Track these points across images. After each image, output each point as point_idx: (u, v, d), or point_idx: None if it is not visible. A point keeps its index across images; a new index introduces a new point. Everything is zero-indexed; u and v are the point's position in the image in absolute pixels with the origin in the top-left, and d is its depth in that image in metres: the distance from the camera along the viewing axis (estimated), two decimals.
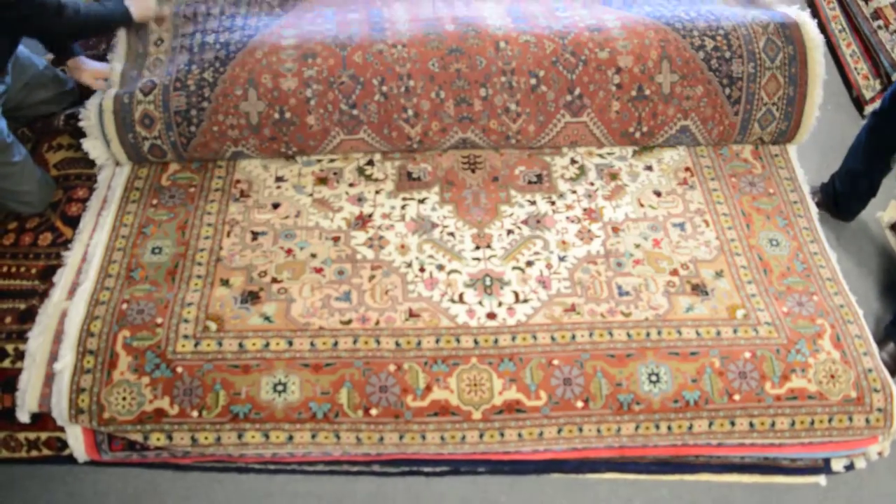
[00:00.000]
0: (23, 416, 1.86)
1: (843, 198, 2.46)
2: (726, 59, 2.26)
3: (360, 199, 2.21)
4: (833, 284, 2.06)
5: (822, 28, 3.06)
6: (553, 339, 1.91)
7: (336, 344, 1.89)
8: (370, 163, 2.31)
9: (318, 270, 2.04)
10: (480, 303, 1.98)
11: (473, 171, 2.29)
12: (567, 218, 2.18)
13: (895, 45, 2.83)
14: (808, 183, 2.32)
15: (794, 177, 2.32)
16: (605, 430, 1.85)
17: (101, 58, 2.39)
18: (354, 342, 1.89)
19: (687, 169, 2.32)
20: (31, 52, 2.27)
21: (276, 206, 2.18)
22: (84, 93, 2.36)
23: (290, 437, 1.82)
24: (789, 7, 2.42)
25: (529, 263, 2.06)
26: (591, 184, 2.26)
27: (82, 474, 2.00)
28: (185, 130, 2.18)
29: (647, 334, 1.92)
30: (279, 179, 2.25)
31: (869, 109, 2.87)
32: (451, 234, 2.13)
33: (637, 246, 2.11)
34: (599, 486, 1.99)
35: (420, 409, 1.83)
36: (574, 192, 2.24)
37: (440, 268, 2.05)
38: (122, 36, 2.39)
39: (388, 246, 2.10)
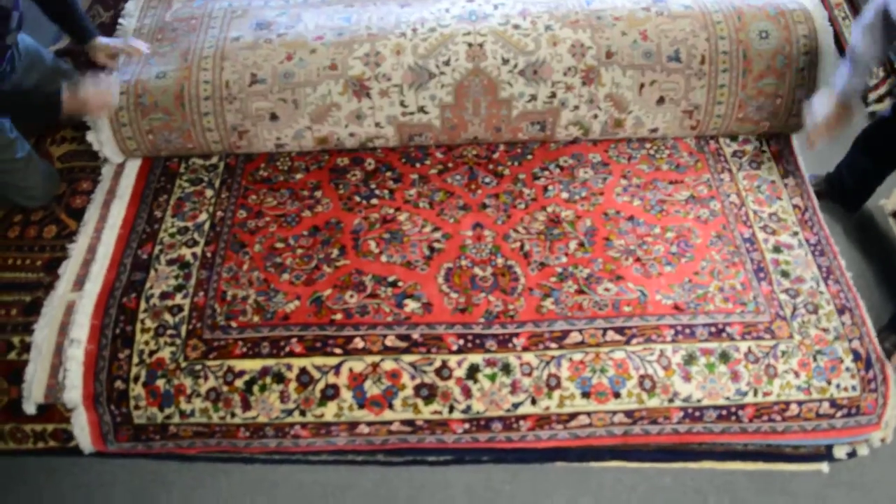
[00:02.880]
0: (29, 408, 1.88)
1: (851, 190, 2.45)
2: None
3: None
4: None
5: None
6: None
7: None
8: None
9: None
10: None
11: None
12: None
13: None
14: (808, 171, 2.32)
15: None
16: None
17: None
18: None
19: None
20: (39, 46, 2.27)
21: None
22: None
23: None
24: None
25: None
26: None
27: (88, 466, 2.01)
28: None
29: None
30: None
31: (872, 97, 2.85)
32: None
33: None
34: (603, 474, 1.99)
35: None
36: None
37: None
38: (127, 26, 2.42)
39: None
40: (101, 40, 2.24)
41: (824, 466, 1.98)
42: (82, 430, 1.88)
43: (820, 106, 2.02)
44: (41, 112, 2.05)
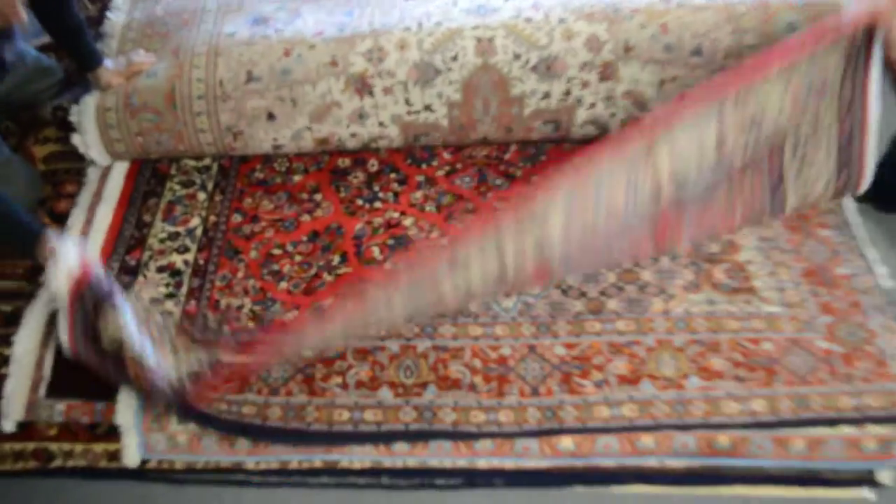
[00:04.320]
0: (7, 426, 1.80)
1: (892, 190, 2.31)
2: None
3: None
4: None
5: None
6: None
7: None
8: None
9: None
10: None
11: None
12: None
13: None
14: None
15: None
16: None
17: None
18: None
19: None
20: (23, 44, 2.19)
21: None
22: (70, 79, 2.31)
23: None
24: None
25: None
26: None
27: (71, 488, 1.89)
28: None
29: None
30: None
31: None
32: None
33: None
34: (626, 499, 1.86)
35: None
36: None
37: None
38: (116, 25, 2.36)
39: None
40: (109, 65, 2.14)
41: (868, 493, 1.85)
42: None
43: None
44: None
